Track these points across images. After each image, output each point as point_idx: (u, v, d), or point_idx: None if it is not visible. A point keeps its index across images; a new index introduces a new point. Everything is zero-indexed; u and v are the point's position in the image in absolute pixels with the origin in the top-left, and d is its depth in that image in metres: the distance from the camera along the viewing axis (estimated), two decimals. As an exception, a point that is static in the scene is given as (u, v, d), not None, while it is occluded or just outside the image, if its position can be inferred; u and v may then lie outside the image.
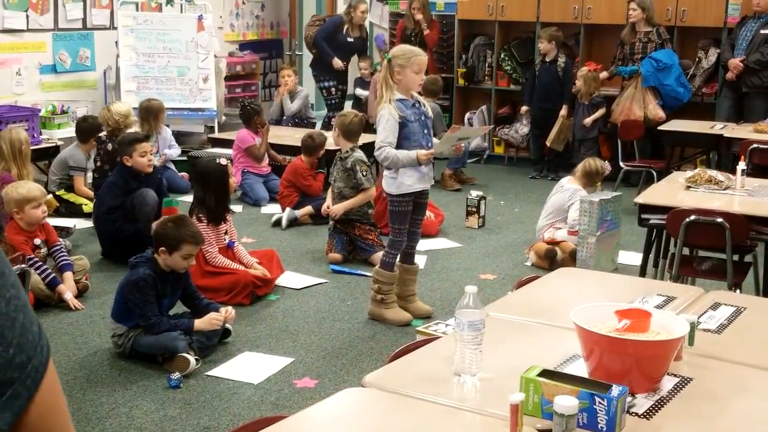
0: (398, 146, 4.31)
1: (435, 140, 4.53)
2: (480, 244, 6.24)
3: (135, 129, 6.92)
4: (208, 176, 5.08)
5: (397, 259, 4.63)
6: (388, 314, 4.62)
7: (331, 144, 6.46)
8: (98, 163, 6.62)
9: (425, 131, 4.40)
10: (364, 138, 6.10)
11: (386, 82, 4.34)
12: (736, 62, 7.61)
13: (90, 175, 6.97)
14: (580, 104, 8.23)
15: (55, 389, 0.83)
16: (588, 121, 8.10)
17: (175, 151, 7.74)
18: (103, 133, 6.79)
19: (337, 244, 5.77)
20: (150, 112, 7.43)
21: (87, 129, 6.89)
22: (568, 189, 5.83)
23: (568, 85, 8.34)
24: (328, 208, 5.90)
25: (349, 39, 9.22)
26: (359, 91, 9.50)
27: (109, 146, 6.51)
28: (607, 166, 6.18)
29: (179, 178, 7.54)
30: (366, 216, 5.85)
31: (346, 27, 9.20)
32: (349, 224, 5.80)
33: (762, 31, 7.58)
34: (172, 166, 7.71)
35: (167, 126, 7.83)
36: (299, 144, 6.85)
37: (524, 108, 8.68)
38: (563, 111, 8.31)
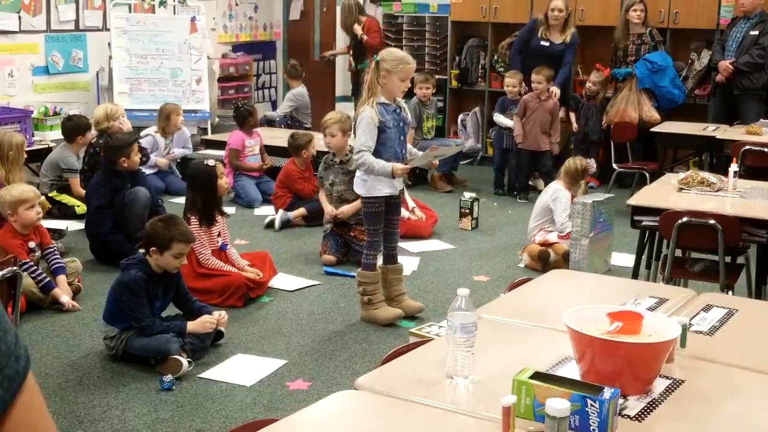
0: (374, 151, 4.35)
1: (411, 148, 4.58)
2: (473, 246, 6.24)
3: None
4: (195, 177, 5.12)
5: (380, 261, 4.65)
6: (378, 314, 4.63)
7: (321, 146, 6.43)
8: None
9: (401, 138, 4.45)
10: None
11: (372, 83, 4.36)
12: (725, 64, 7.60)
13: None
14: (590, 106, 8.18)
15: (34, 407, 0.78)
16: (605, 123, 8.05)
17: (184, 150, 7.77)
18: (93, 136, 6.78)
19: (332, 245, 5.76)
20: (161, 114, 7.61)
21: (72, 128, 6.86)
22: (550, 189, 5.86)
23: (569, 87, 8.33)
24: (332, 212, 5.85)
25: (543, 43, 7.89)
26: (500, 119, 7.86)
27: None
28: (591, 164, 6.16)
29: (179, 181, 7.52)
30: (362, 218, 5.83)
31: (541, 29, 7.92)
32: (345, 226, 5.80)
33: (751, 32, 7.56)
34: (174, 168, 7.71)
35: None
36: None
37: None
38: (561, 113, 8.29)
